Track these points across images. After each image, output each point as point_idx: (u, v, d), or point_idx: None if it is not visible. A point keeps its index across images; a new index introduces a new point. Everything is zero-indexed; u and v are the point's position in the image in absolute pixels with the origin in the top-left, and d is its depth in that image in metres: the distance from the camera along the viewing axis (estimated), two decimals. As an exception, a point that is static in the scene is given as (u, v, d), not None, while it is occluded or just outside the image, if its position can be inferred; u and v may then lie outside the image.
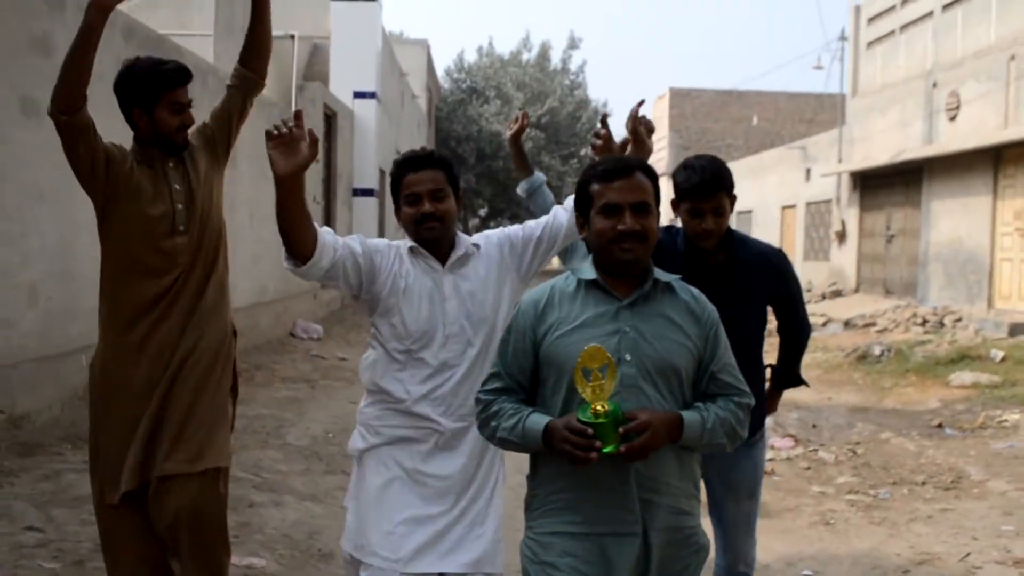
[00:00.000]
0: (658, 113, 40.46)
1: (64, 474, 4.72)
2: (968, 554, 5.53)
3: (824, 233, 23.29)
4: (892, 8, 19.47)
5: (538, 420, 2.37)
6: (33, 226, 5.25)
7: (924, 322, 15.62)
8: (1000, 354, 12.20)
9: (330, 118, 13.39)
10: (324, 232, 2.85)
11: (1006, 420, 9.27)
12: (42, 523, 4.08)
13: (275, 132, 2.69)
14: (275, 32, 12.42)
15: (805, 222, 24.49)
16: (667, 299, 2.49)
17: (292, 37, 13.60)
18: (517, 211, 35.02)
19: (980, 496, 6.89)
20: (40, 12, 5.22)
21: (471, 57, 36.79)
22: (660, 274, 2.50)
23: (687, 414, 2.38)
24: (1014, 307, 14.76)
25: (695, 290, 2.54)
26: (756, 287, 3.48)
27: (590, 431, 2.25)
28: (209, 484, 3.13)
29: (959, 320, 15.21)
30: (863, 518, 6.49)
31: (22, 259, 5.12)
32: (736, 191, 3.48)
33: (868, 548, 5.83)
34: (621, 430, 2.26)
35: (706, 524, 2.84)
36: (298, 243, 2.77)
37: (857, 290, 20.68)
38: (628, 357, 2.39)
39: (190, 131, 3.29)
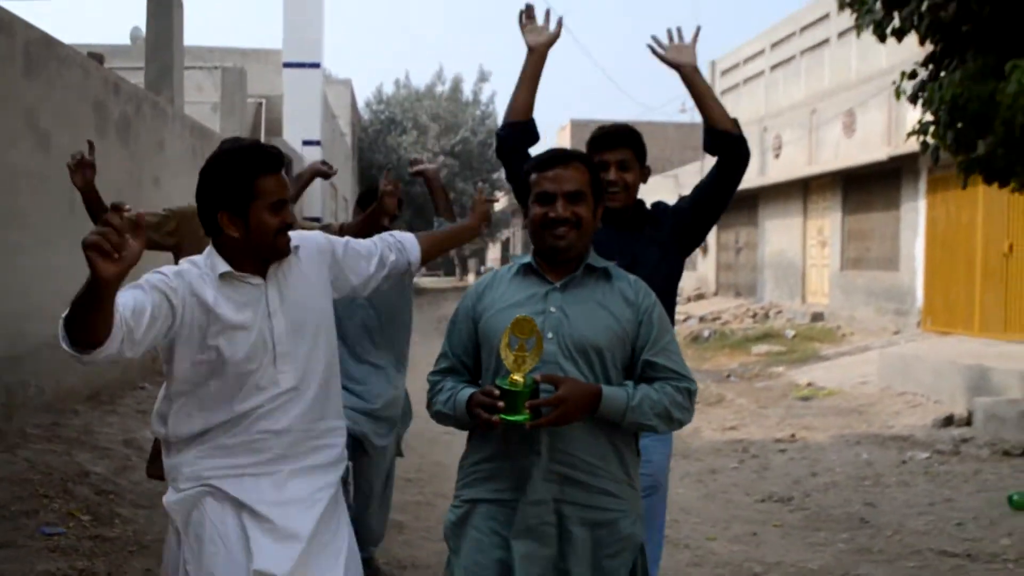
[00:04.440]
0: (560, 143, 42.83)
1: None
2: (699, 427, 8.51)
3: (692, 247, 25.78)
4: (736, 65, 22.11)
5: (467, 392, 2.28)
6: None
7: (755, 315, 18.14)
8: (792, 332, 15.30)
9: (287, 164, 15.95)
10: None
11: (774, 372, 12.46)
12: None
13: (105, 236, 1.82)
14: (250, 100, 15.56)
15: (679, 239, 26.89)
16: (600, 284, 2.36)
17: (260, 104, 15.84)
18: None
19: (727, 407, 9.97)
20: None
21: (389, 89, 35.39)
22: (597, 260, 2.38)
23: (609, 389, 2.22)
24: (818, 300, 17.56)
25: (633, 277, 2.41)
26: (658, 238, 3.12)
27: (497, 393, 2.16)
28: None
29: (780, 312, 17.89)
30: (647, 417, 9.62)
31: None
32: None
33: (641, 428, 8.92)
34: (528, 404, 2.14)
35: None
36: (91, 331, 1.99)
37: (716, 293, 22.77)
38: (550, 335, 2.27)
39: None
